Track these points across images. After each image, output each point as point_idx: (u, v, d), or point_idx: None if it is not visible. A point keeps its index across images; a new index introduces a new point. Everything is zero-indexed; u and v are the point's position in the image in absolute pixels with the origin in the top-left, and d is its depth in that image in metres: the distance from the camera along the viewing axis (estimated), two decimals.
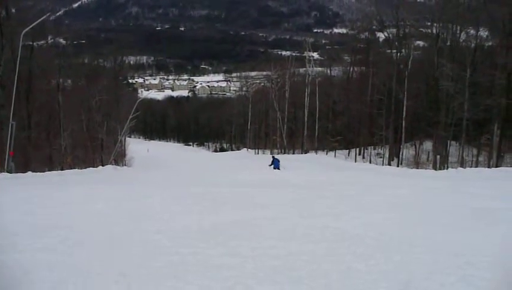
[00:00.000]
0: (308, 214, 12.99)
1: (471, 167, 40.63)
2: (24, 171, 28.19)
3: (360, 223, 11.20)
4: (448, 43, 52.75)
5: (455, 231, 9.98)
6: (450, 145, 48.57)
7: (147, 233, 10.04)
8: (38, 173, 28.70)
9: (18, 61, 30.61)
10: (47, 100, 50.87)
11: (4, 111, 34.43)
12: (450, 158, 47.72)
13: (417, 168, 42.32)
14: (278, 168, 42.05)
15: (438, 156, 48.48)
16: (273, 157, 45.97)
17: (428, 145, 54.72)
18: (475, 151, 49.00)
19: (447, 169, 37.99)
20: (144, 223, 11.28)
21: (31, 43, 45.52)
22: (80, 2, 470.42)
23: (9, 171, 26.62)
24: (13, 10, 44.53)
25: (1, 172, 25.84)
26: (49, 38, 54.29)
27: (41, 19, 36.12)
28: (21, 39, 31.44)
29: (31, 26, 32.36)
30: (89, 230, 10.18)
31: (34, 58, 46.68)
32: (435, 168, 44.47)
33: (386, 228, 10.63)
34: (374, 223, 11.19)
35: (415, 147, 55.84)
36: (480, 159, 47.37)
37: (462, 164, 44.32)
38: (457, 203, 14.12)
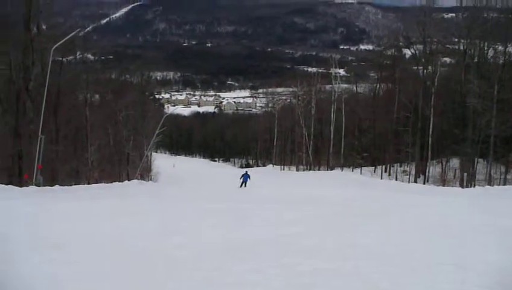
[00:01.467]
0: (334, 230, 12.93)
1: (499, 184, 40.24)
2: (52, 185, 28.44)
3: (388, 242, 11.10)
4: (476, 60, 52.47)
5: (484, 251, 9.86)
6: (477, 163, 48.17)
7: (172, 248, 10.04)
8: (65, 186, 28.95)
9: (48, 76, 30.96)
10: (74, 115, 51.40)
11: (33, 125, 34.76)
12: (477, 176, 47.31)
13: (444, 186, 41.99)
14: (245, 184, 43.54)
15: (465, 174, 48.04)
16: (246, 172, 46.74)
17: (455, 162, 54.26)
18: (503, 169, 48.58)
19: (474, 187, 37.68)
20: (168, 238, 11.28)
21: (60, 58, 46.10)
22: (108, 19, 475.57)
23: (38, 185, 26.86)
24: (44, 27, 45.12)
25: (30, 185, 26.10)
26: (77, 54, 54.89)
27: (71, 35, 36.55)
28: (51, 54, 31.80)
29: (61, 42, 32.74)
30: (113, 244, 10.21)
31: (62, 73, 47.22)
32: (462, 185, 44.06)
33: (414, 246, 10.53)
34: (402, 242, 11.09)
35: (442, 165, 55.38)
36: (509, 176, 46.96)
37: (489, 181, 43.89)
38: (486, 222, 13.97)
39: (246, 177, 44.76)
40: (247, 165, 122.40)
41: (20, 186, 24.81)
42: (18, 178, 32.72)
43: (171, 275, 7.85)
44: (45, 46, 38.28)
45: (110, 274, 7.75)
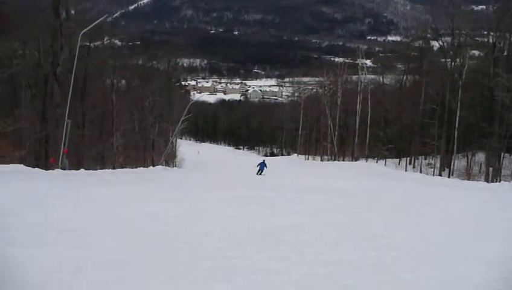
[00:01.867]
0: (357, 221, 12.94)
1: None
2: (77, 169, 28.69)
3: (410, 234, 11.10)
4: (505, 53, 51.86)
5: (508, 246, 9.84)
6: (503, 158, 47.74)
7: (196, 235, 10.12)
8: (91, 170, 29.19)
9: (75, 61, 31.18)
10: (101, 100, 51.77)
11: (60, 109, 35.06)
12: (503, 171, 46.90)
13: (469, 180, 41.69)
14: (261, 172, 46.01)
15: (491, 168, 47.66)
16: (263, 161, 49.85)
17: (480, 156, 53.85)
18: None
19: (499, 182, 37.37)
20: (192, 225, 11.38)
21: (88, 43, 46.37)
22: (136, 5, 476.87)
23: (63, 168, 27.15)
24: (72, 12, 45.42)
25: (55, 169, 26.36)
26: (105, 39, 55.18)
27: (99, 20, 36.73)
28: (79, 40, 32.03)
29: (89, 28, 32.93)
30: (138, 229, 10.30)
31: (90, 59, 47.53)
32: (487, 180, 43.69)
33: (436, 239, 10.53)
34: (424, 234, 11.08)
35: (467, 158, 54.99)
36: None
37: None
38: (509, 217, 13.90)
39: (262, 165, 47.38)
40: (272, 154, 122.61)
41: (46, 170, 25.03)
42: (44, 162, 33.03)
43: (195, 261, 7.91)
44: (73, 31, 38.59)
45: (132, 259, 7.83)
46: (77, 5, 46.22)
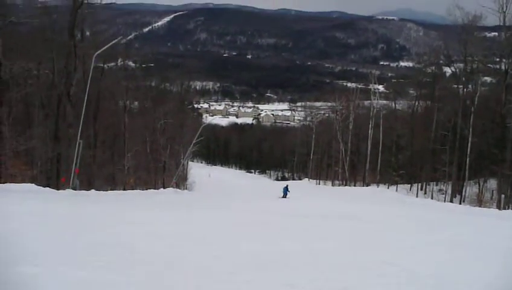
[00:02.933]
0: (366, 247, 12.93)
1: None
2: (88, 189, 28.78)
3: (419, 260, 11.05)
4: None
5: None
6: None
7: (205, 258, 10.11)
8: (101, 191, 29.27)
9: (89, 82, 31.39)
10: (113, 121, 51.98)
11: (72, 129, 35.23)
12: None
13: (480, 207, 41.51)
14: (285, 196, 47.77)
15: (503, 195, 47.45)
16: (286, 185, 51.75)
17: (492, 183, 53.63)
18: None
19: (511, 209, 37.23)
20: (202, 248, 11.37)
21: (101, 64, 46.68)
22: (150, 27, 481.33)
23: (74, 188, 27.21)
24: (87, 33, 45.84)
25: (66, 188, 26.46)
26: (119, 61, 55.54)
27: (114, 42, 37.00)
28: (93, 61, 32.25)
29: (103, 49, 33.14)
30: (147, 251, 10.30)
31: (103, 80, 47.83)
32: (498, 207, 43.46)
33: (446, 267, 10.47)
34: (433, 261, 11.03)
35: (479, 185, 54.81)
36: None
37: None
38: None
39: (285, 190, 49.15)
40: (283, 178, 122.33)
41: (57, 189, 25.14)
42: (55, 181, 33.16)
43: (203, 285, 7.92)
44: (88, 52, 38.92)
45: (139, 281, 7.85)
46: (92, 26, 46.64)
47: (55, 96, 38.30)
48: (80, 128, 30.10)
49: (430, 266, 10.39)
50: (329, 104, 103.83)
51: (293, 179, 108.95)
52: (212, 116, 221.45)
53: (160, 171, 56.35)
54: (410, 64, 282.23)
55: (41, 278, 7.17)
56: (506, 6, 49.60)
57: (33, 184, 23.15)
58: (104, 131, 49.75)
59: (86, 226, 13.21)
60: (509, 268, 10.39)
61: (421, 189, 63.65)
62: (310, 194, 54.72)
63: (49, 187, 25.37)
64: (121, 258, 9.28)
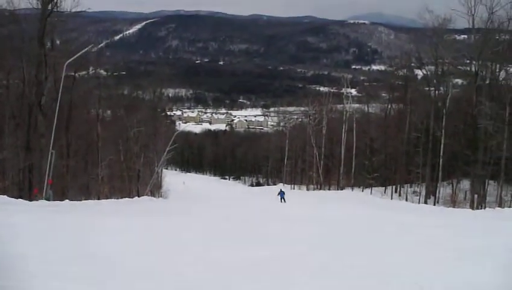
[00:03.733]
0: (340, 250, 12.94)
1: (509, 207, 40.00)
2: (61, 199, 28.50)
3: (394, 262, 11.08)
4: (487, 81, 52.42)
5: (495, 273, 9.81)
6: (488, 185, 48.00)
7: (180, 266, 10.05)
8: (75, 201, 29.00)
9: (60, 91, 31.12)
10: (86, 130, 51.63)
11: (44, 140, 34.90)
12: (488, 198, 47.09)
13: (454, 207, 41.82)
14: (284, 200, 49.50)
15: (476, 196, 47.84)
16: (280, 189, 53.25)
17: (465, 184, 54.02)
18: None
19: (484, 209, 37.50)
20: (176, 256, 11.31)
21: (73, 73, 46.30)
22: (121, 35, 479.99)
23: (48, 199, 26.91)
24: (57, 42, 45.46)
25: (39, 199, 26.16)
26: (90, 69, 55.17)
27: (84, 50, 36.72)
28: (64, 70, 31.97)
29: (74, 58, 32.91)
30: (122, 261, 10.21)
31: (75, 89, 47.44)
32: (472, 207, 43.82)
33: (421, 267, 10.51)
34: (408, 263, 11.07)
35: (452, 186, 55.15)
36: None
37: (500, 203, 43.65)
38: (494, 244, 13.90)
39: (282, 194, 51.57)
40: (258, 184, 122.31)
41: (30, 201, 24.85)
42: (28, 192, 32.82)
43: None
44: (58, 61, 38.51)
45: None
46: (62, 35, 46.23)
47: (26, 106, 37.93)
48: (52, 138, 29.81)
49: (406, 267, 10.40)
50: (302, 108, 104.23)
51: (268, 184, 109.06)
52: (185, 123, 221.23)
53: (134, 180, 56.00)
54: (382, 67, 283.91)
55: None
56: (475, 10, 50.44)
57: (5, 196, 22.83)
58: (77, 140, 49.37)
59: (59, 237, 13.05)
60: (488, 266, 10.39)
61: (396, 191, 63.91)
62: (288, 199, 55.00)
63: (22, 199, 25.05)
64: (96, 269, 9.18)
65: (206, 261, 10.77)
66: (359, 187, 70.93)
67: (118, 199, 38.25)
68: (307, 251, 12.61)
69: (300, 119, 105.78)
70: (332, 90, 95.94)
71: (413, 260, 11.48)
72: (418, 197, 57.11)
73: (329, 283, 8.86)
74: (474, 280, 9.12)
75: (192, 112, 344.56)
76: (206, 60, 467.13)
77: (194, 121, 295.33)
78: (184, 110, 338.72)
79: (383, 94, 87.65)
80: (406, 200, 56.13)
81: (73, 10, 39.98)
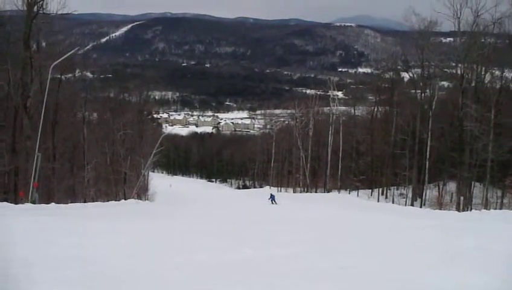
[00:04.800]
0: (328, 252, 12.92)
1: (495, 208, 40.21)
2: (47, 202, 28.34)
3: (381, 264, 11.07)
4: (473, 84, 52.58)
5: (481, 274, 9.81)
6: (474, 187, 48.21)
7: (167, 268, 10.00)
8: (61, 204, 28.84)
9: (46, 94, 30.98)
10: (72, 132, 51.42)
11: (30, 142, 34.72)
12: (474, 200, 47.29)
13: (440, 209, 41.98)
14: (275, 202, 51.03)
15: (462, 198, 47.97)
16: (271, 194, 54.98)
17: (451, 186, 54.24)
18: (499, 193, 48.56)
19: (470, 211, 37.67)
20: (163, 258, 11.26)
21: (59, 76, 46.10)
22: (108, 37, 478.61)
23: (33, 202, 26.78)
24: (43, 44, 45.23)
25: (25, 202, 26.02)
26: (76, 72, 54.99)
27: (70, 53, 36.67)
28: (50, 72, 31.82)
29: (60, 60, 32.79)
30: (109, 263, 10.15)
31: (61, 91, 47.24)
32: (458, 209, 43.94)
33: (409, 269, 10.48)
34: (396, 264, 11.05)
35: (439, 188, 55.41)
36: (505, 201, 46.88)
37: (486, 205, 43.86)
38: (479, 246, 13.92)
39: (272, 197, 53.43)
40: (244, 187, 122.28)
41: (16, 204, 24.70)
42: (13, 195, 32.62)
43: None
44: (44, 63, 38.35)
45: None
46: (48, 37, 45.99)
47: (12, 109, 37.69)
48: (38, 140, 29.66)
49: (393, 269, 10.39)
50: (288, 111, 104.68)
51: (254, 187, 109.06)
52: (171, 126, 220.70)
53: (120, 183, 55.84)
54: (369, 70, 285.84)
55: None
56: (460, 13, 50.60)
57: None
58: (63, 143, 49.14)
59: (45, 240, 12.95)
60: (476, 268, 10.40)
61: (382, 194, 64.02)
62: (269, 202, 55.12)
63: (7, 202, 24.91)
64: (81, 272, 9.10)
65: (193, 263, 10.71)
66: (346, 189, 71.06)
67: (104, 201, 38.15)
68: (295, 253, 12.58)
69: (286, 122, 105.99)
70: (318, 92, 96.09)
71: (402, 261, 11.46)
72: (404, 200, 57.23)
73: (318, 284, 8.83)
74: (464, 282, 9.12)
75: (179, 114, 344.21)
76: (193, 62, 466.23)
77: (180, 124, 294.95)
78: (170, 113, 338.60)
79: (370, 97, 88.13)
80: (393, 202, 56.27)
81: (59, 12, 39.97)
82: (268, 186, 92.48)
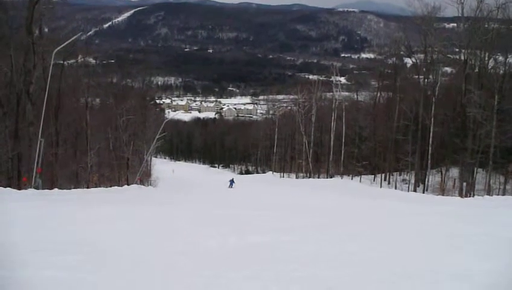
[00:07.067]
0: (331, 239, 12.89)
1: (498, 194, 40.18)
2: (51, 188, 28.40)
3: (385, 250, 11.03)
4: (476, 70, 52.44)
5: (478, 260, 9.81)
6: (476, 173, 48.11)
7: (170, 254, 9.99)
8: (65, 190, 28.89)
9: (49, 79, 30.94)
10: (75, 118, 51.42)
11: (33, 128, 34.72)
12: (476, 185, 47.20)
13: (443, 195, 41.97)
14: (231, 186, 55.84)
15: (465, 183, 47.98)
16: (232, 179, 60.80)
17: (454, 172, 54.17)
18: (502, 179, 48.52)
19: (473, 196, 37.66)
20: (167, 244, 11.24)
21: (61, 61, 46.06)
22: (110, 23, 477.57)
23: (37, 188, 26.79)
24: (46, 30, 45.15)
25: (29, 188, 26.05)
26: (79, 58, 54.85)
27: (73, 38, 36.62)
28: (52, 58, 31.78)
29: (62, 46, 32.70)
30: (112, 249, 10.15)
31: (64, 77, 47.20)
32: (461, 195, 43.91)
33: (412, 255, 10.46)
34: (399, 250, 11.02)
35: (441, 174, 55.32)
36: (508, 187, 46.90)
37: (488, 191, 43.81)
38: (481, 231, 13.91)
39: (231, 182, 58.64)
40: (247, 172, 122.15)
41: (19, 189, 24.74)
42: (17, 181, 32.67)
43: (170, 281, 7.81)
44: (47, 49, 38.33)
45: (107, 279, 7.71)
46: (51, 23, 45.94)
47: (14, 95, 37.63)
48: (41, 126, 29.62)
49: (398, 255, 10.37)
50: (291, 96, 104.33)
51: (257, 172, 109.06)
52: (174, 111, 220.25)
53: (123, 168, 55.85)
54: (372, 55, 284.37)
55: (5, 280, 7.00)
56: None
57: None
58: (66, 129, 49.19)
59: (49, 225, 12.98)
60: (481, 253, 10.40)
61: (385, 179, 64.00)
62: (272, 187, 54.96)
63: (11, 187, 24.94)
64: (87, 257, 9.11)
65: (198, 249, 10.72)
66: (348, 175, 71.02)
67: (107, 187, 38.18)
68: (297, 239, 12.57)
69: (289, 108, 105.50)
70: (321, 78, 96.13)
71: (405, 247, 11.46)
72: (407, 185, 57.22)
73: (319, 270, 8.83)
74: (469, 267, 9.12)
75: (182, 100, 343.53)
76: (195, 48, 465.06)
77: (183, 109, 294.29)
78: (173, 99, 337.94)
79: (372, 82, 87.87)
80: (395, 188, 56.32)
81: None
82: (270, 172, 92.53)
